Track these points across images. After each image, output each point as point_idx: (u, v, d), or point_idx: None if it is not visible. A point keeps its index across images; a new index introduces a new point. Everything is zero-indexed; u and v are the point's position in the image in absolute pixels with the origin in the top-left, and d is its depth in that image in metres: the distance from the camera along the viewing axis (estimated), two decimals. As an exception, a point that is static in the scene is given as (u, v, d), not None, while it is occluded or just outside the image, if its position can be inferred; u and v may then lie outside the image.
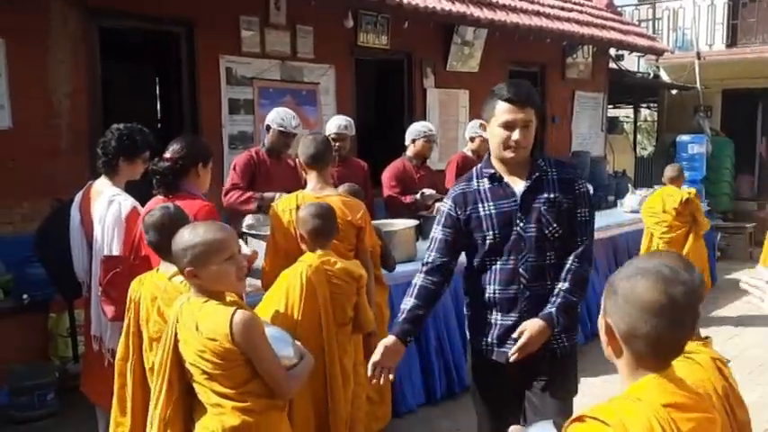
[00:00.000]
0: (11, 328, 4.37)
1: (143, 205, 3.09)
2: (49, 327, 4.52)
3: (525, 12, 8.17)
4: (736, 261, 9.05)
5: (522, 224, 2.47)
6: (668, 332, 1.35)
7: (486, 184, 2.54)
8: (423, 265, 2.59)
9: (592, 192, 2.98)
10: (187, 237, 2.12)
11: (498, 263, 2.51)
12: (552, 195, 2.48)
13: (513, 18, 7.80)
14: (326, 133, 4.79)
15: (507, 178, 2.52)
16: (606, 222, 6.53)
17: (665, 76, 12.86)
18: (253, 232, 3.89)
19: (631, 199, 7.34)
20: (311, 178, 3.30)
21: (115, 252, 3.06)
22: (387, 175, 5.21)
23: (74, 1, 5.09)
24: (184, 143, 3.00)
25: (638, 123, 15.40)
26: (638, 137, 15.48)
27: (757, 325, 6.18)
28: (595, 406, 1.39)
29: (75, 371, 4.37)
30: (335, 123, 4.93)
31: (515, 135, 2.42)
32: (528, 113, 2.43)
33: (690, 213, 5.89)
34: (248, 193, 4.32)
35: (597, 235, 5.97)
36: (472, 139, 5.67)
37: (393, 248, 4.12)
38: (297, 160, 3.42)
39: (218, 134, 5.96)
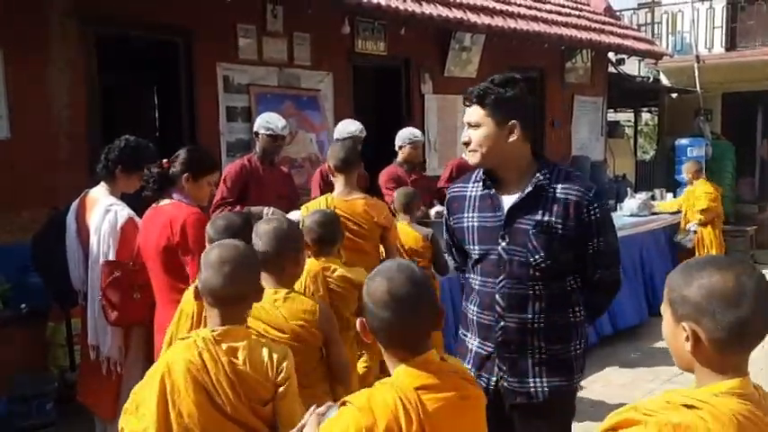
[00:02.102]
0: (9, 338, 4.37)
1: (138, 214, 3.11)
2: (48, 336, 4.52)
3: (523, 17, 8.18)
4: (737, 264, 9.01)
5: (504, 244, 2.17)
6: (400, 323, 1.51)
7: (478, 189, 2.27)
8: (455, 269, 2.65)
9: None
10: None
11: (478, 282, 2.26)
12: (546, 218, 2.12)
13: (510, 23, 7.82)
14: (336, 136, 4.78)
15: (502, 187, 2.23)
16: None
17: (665, 80, 12.87)
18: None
19: (631, 202, 7.33)
20: (339, 182, 3.51)
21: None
22: (383, 179, 5.20)
23: (72, 11, 5.11)
24: (183, 154, 2.99)
25: (639, 127, 15.40)
26: (640, 141, 15.49)
27: None
28: (356, 393, 1.55)
29: (73, 380, 4.37)
30: (350, 128, 4.86)
31: (464, 135, 2.22)
32: (475, 113, 2.17)
33: None
34: (236, 209, 4.31)
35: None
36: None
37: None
38: (327, 164, 3.61)
39: (217, 142, 5.98)
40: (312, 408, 1.63)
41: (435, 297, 1.66)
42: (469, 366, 2.25)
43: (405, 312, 1.51)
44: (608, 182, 10.21)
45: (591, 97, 10.32)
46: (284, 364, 1.88)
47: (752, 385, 1.31)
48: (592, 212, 2.12)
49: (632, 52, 10.17)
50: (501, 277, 2.18)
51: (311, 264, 2.92)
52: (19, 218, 4.90)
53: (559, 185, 2.14)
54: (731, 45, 12.20)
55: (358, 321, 1.58)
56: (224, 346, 1.82)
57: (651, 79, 13.17)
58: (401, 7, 6.55)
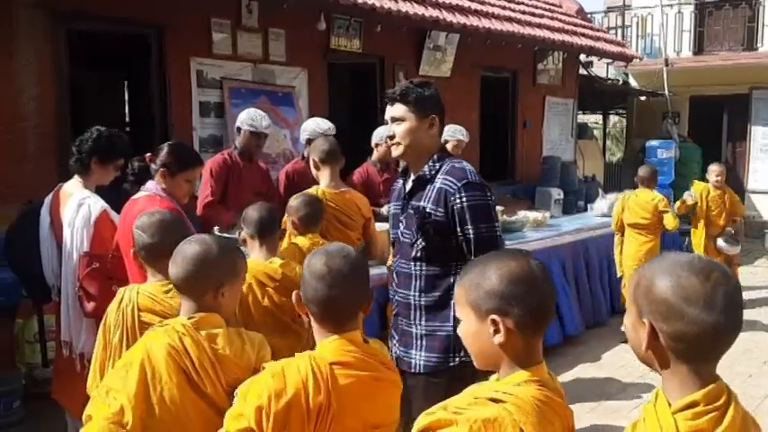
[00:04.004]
0: (-25, 335, 4.27)
1: (114, 207, 3.05)
2: (16, 333, 4.42)
3: (497, 17, 8.24)
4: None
5: (401, 227, 2.49)
6: (331, 296, 1.64)
7: (400, 180, 2.60)
8: None
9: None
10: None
11: (393, 261, 2.61)
12: (422, 204, 2.38)
13: (485, 23, 7.87)
14: (307, 135, 4.68)
15: (411, 178, 2.49)
16: (576, 226, 6.62)
17: (633, 83, 13.08)
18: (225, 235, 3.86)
19: (601, 203, 7.44)
20: (324, 175, 3.63)
21: None
22: (355, 178, 5.13)
23: (40, 4, 5.00)
24: (165, 148, 2.97)
25: (607, 129, 15.63)
26: (607, 143, 15.72)
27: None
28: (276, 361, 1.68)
29: (41, 377, 4.29)
30: (323, 126, 4.76)
31: (388, 130, 2.47)
32: (398, 109, 2.42)
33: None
34: (229, 213, 4.24)
35: (567, 238, 6.19)
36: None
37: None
38: (312, 159, 3.73)
39: (189, 137, 5.89)
40: None
41: (367, 281, 1.79)
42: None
43: (336, 287, 1.65)
44: (578, 182, 10.34)
45: (562, 98, 10.45)
46: (263, 352, 1.94)
47: (546, 370, 1.40)
48: (458, 201, 2.32)
49: (604, 54, 10.31)
50: (398, 256, 2.51)
51: (302, 240, 3.10)
52: (-15, 212, 4.78)
53: (440, 176, 2.38)
54: (699, 49, 12.46)
55: (294, 293, 1.71)
56: (203, 332, 1.86)
57: (620, 82, 13.37)
58: (377, 4, 6.54)
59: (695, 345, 1.17)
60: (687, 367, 1.19)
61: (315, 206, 3.19)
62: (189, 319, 1.88)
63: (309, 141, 4.65)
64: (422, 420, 1.32)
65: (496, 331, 1.34)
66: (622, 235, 6.06)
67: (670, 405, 1.19)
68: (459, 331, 1.44)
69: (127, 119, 9.14)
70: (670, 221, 5.77)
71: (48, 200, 3.30)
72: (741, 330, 1.21)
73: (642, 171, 6.10)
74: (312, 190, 3.55)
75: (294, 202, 3.19)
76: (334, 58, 7.12)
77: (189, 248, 1.91)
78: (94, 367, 2.21)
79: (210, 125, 6.13)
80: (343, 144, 4.93)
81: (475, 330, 1.38)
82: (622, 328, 1.96)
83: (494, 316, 1.34)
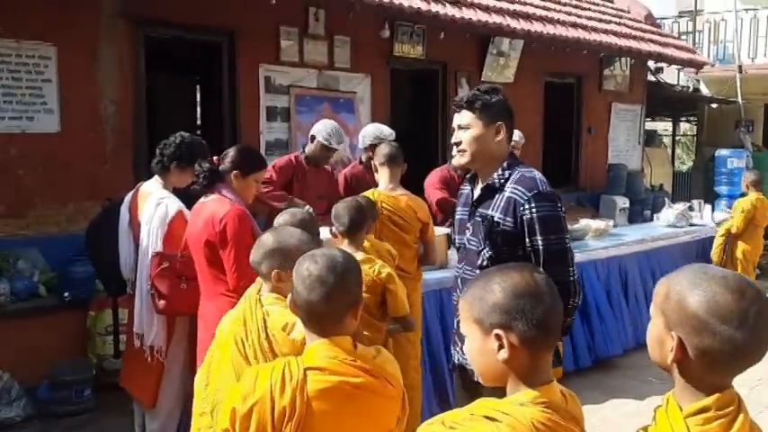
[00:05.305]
0: (52, 325, 4.52)
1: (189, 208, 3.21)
2: (88, 325, 4.66)
3: (562, 23, 8.15)
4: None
5: (468, 234, 2.45)
6: (314, 302, 1.62)
7: (468, 186, 2.58)
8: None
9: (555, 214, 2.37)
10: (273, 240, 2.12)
11: (457, 267, 2.60)
12: (491, 212, 2.35)
13: (549, 29, 7.80)
14: (368, 141, 4.71)
15: (480, 185, 2.46)
16: (640, 236, 6.47)
17: (704, 90, 12.67)
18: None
19: (668, 213, 7.24)
20: (384, 178, 3.73)
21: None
22: (432, 180, 5.08)
23: (122, 11, 5.27)
24: (233, 151, 3.07)
25: (677, 137, 15.18)
26: (677, 151, 15.27)
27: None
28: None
29: (111, 368, 4.51)
30: (385, 132, 4.75)
31: (454, 137, 2.46)
32: (465, 116, 2.42)
33: None
34: (282, 192, 4.39)
35: (631, 249, 6.07)
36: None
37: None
38: (373, 162, 3.84)
39: (256, 140, 6.08)
40: None
41: (356, 286, 1.72)
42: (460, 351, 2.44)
43: (315, 292, 1.62)
44: (645, 191, 10.10)
45: (629, 105, 10.23)
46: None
47: (558, 391, 1.33)
48: (528, 212, 2.29)
49: (673, 61, 10.03)
50: (463, 263, 2.50)
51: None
52: (65, 209, 5.07)
53: (510, 185, 2.34)
54: (775, 55, 11.98)
55: (288, 297, 1.70)
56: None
57: (691, 88, 12.99)
58: (441, 12, 6.59)
59: (722, 361, 1.18)
60: (707, 378, 1.20)
61: (358, 212, 3.03)
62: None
63: (370, 146, 4.66)
64: (421, 430, 1.32)
65: (500, 347, 1.30)
66: (736, 237, 6.58)
67: (681, 410, 1.20)
68: (465, 348, 1.40)
69: (198, 121, 9.47)
70: None
71: (127, 198, 3.49)
72: None
73: (755, 175, 6.81)
74: (368, 192, 3.62)
75: (337, 206, 3.07)
76: (396, 65, 7.20)
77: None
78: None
79: (277, 129, 6.30)
80: (403, 150, 5.01)
81: (479, 346, 1.34)
82: None
83: (497, 331, 1.30)
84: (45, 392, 4.29)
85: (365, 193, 3.62)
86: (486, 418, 1.26)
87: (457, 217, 2.62)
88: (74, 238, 4.84)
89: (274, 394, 1.55)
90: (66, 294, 4.59)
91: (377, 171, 3.78)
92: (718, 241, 6.76)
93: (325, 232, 3.25)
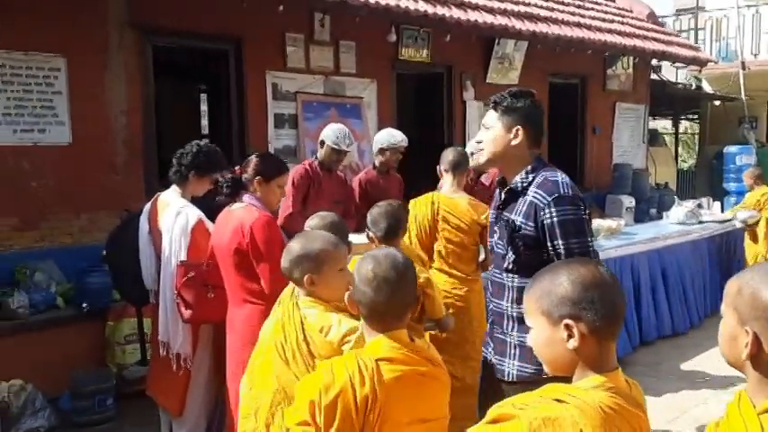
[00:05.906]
0: (71, 335, 4.54)
1: (209, 217, 3.22)
2: (107, 334, 4.67)
3: (566, 23, 8.17)
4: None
5: (496, 237, 2.46)
6: (377, 299, 1.73)
7: (499, 189, 2.53)
8: None
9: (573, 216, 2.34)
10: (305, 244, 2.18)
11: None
12: (513, 216, 2.33)
13: (554, 30, 7.82)
14: (380, 145, 4.82)
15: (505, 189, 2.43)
16: (652, 234, 6.48)
17: (707, 87, 12.68)
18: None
19: (677, 211, 7.25)
20: (447, 182, 3.87)
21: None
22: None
23: (130, 21, 5.29)
24: (254, 159, 3.09)
25: (678, 135, 15.19)
26: (678, 149, 15.28)
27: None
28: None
29: (131, 377, 4.52)
30: (398, 137, 4.82)
31: (478, 135, 2.45)
32: (490, 116, 2.41)
33: None
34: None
35: (643, 247, 6.07)
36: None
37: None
38: (437, 167, 3.96)
39: (265, 148, 6.09)
40: None
41: (414, 286, 1.87)
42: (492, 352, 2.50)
43: (382, 292, 1.75)
44: (650, 190, 10.11)
45: (633, 104, 10.25)
46: (351, 337, 2.03)
47: (623, 378, 1.41)
48: (548, 216, 2.26)
49: (677, 59, 10.06)
50: (492, 266, 2.52)
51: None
52: (78, 220, 5.08)
53: (532, 189, 2.32)
54: (778, 51, 12.01)
55: (346, 295, 1.83)
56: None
57: (693, 86, 13.00)
58: (447, 15, 6.61)
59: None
60: None
61: (395, 218, 3.02)
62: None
63: (381, 151, 4.84)
64: (492, 412, 1.37)
65: (570, 336, 1.37)
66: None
67: (755, 406, 1.20)
68: (530, 340, 1.47)
69: (204, 130, 9.48)
70: None
71: (146, 208, 3.49)
72: None
73: (759, 170, 7.19)
74: (428, 196, 3.80)
75: (374, 211, 3.05)
76: (402, 68, 7.23)
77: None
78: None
79: (285, 136, 6.32)
80: (409, 152, 5.00)
81: (548, 337, 1.41)
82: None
83: (567, 321, 1.37)
84: (67, 403, 4.30)
85: (425, 196, 3.80)
86: (556, 400, 1.32)
87: (490, 220, 2.65)
88: (87, 249, 4.87)
89: (354, 384, 1.65)
90: (84, 305, 4.60)
91: (441, 176, 3.93)
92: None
93: (360, 237, 3.27)
